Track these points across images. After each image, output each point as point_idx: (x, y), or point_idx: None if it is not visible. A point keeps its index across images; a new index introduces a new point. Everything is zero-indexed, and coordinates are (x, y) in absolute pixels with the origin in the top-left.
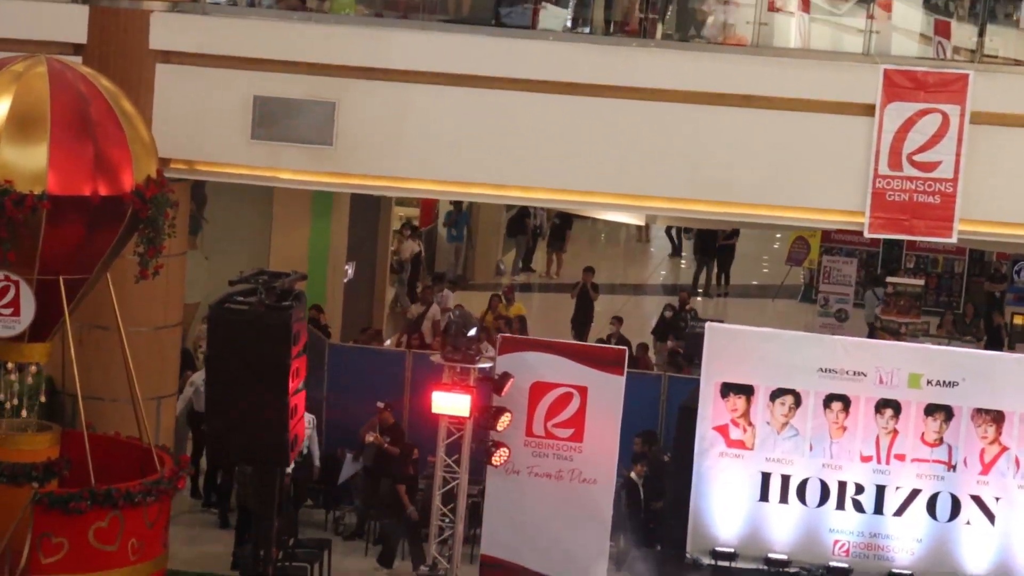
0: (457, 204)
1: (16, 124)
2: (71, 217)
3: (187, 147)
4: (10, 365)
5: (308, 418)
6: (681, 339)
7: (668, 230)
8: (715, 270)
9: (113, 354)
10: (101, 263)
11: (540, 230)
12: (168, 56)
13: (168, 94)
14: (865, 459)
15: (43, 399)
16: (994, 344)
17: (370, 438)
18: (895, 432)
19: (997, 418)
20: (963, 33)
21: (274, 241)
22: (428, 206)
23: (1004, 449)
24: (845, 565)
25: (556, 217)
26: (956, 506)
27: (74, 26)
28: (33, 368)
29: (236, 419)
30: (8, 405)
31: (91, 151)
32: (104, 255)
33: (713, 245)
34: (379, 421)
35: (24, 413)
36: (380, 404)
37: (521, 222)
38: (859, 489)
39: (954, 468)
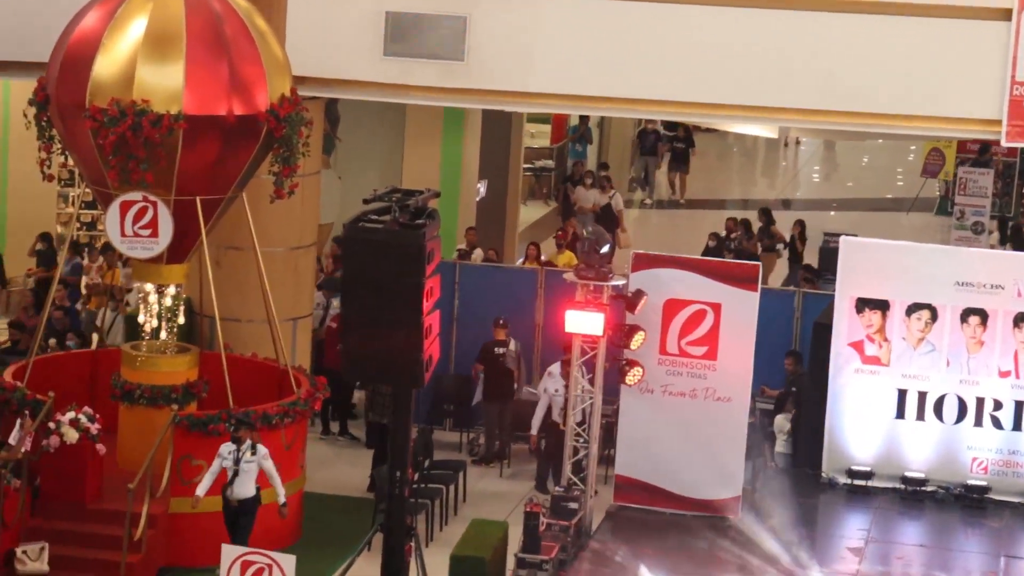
0: (582, 118)
1: (152, 43)
2: (207, 137)
3: (320, 65)
4: (149, 287)
5: (262, 451)
6: None
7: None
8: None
9: (249, 275)
10: (236, 183)
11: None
12: None
13: (300, 11)
14: (1003, 374)
15: (181, 321)
16: None
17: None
18: None
19: None
20: None
21: (406, 159)
22: (559, 123)
23: None
24: (984, 483)
25: (678, 141)
26: None
27: None
28: (172, 290)
29: (371, 339)
30: (148, 327)
31: (226, 70)
32: (239, 175)
33: None
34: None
35: (163, 335)
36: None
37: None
38: (997, 405)
39: None
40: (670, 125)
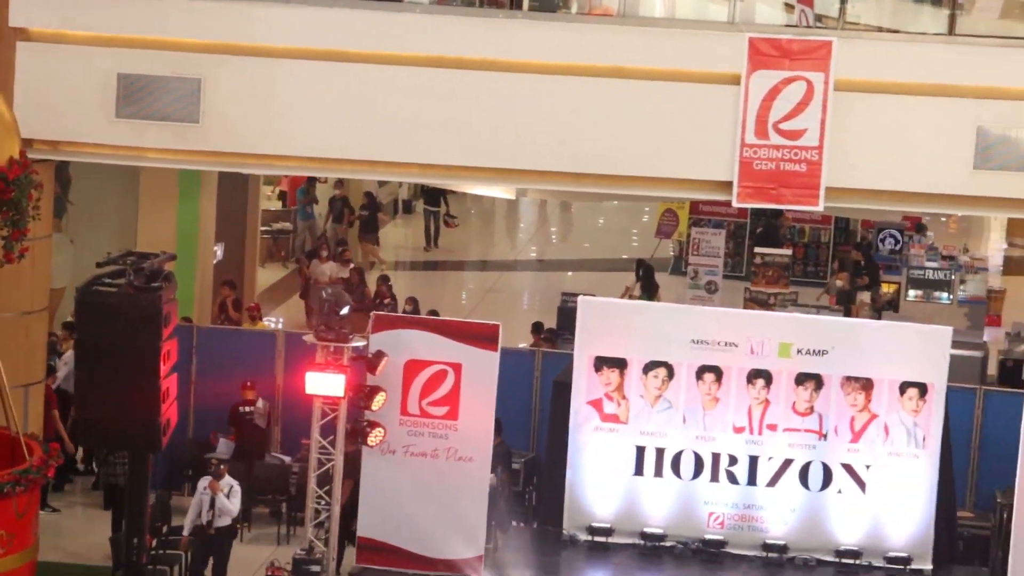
0: (311, 180)
1: None
2: None
3: (50, 127)
4: None
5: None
6: None
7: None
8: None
9: None
10: None
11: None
12: (28, 34)
13: (29, 73)
14: (738, 430)
15: None
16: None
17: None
18: (767, 402)
19: (866, 386)
20: (826, 1)
21: (141, 222)
22: (295, 184)
23: (873, 417)
24: (720, 537)
25: (364, 208)
26: (828, 475)
27: None
28: None
29: (107, 404)
30: None
31: None
32: None
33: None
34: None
35: None
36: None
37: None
38: (732, 460)
39: (825, 437)
40: (431, 197)
